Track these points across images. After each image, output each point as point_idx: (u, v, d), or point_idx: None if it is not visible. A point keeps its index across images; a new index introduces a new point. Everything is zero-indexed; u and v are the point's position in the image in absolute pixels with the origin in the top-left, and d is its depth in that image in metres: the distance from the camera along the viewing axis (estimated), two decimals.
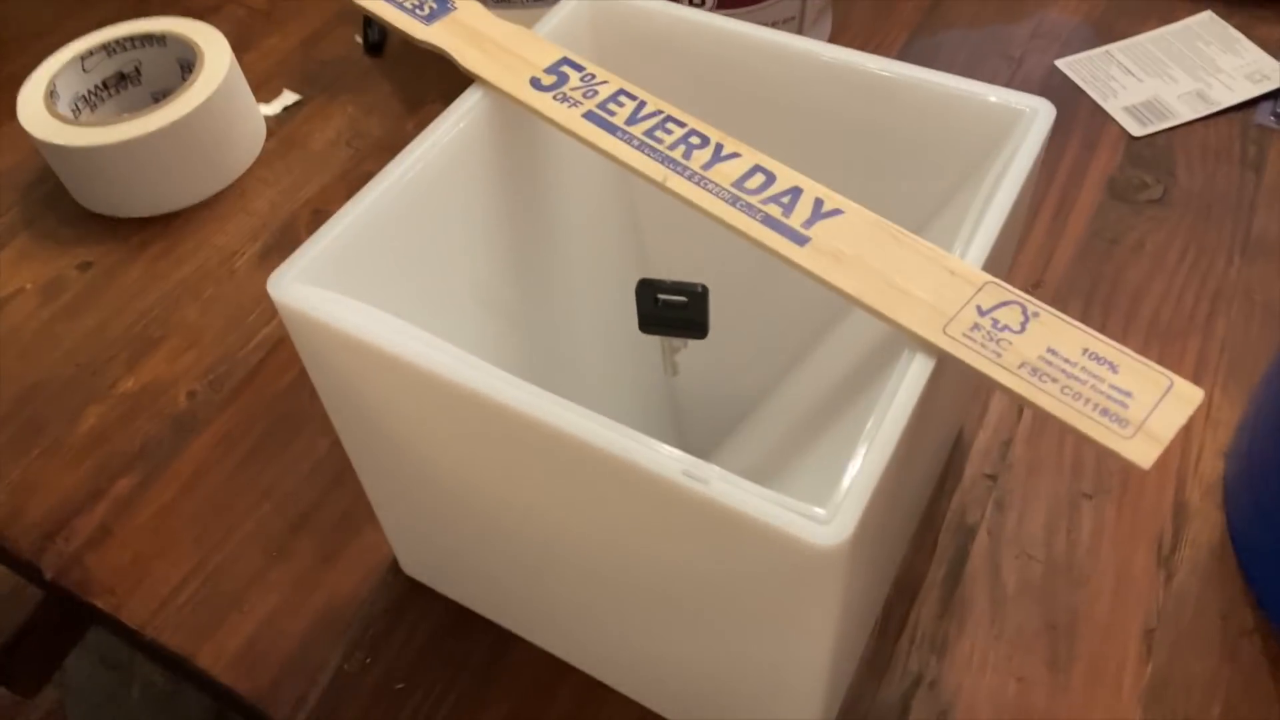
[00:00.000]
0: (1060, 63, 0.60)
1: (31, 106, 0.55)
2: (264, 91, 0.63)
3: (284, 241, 0.55)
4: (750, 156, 0.30)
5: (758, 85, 0.36)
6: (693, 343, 0.37)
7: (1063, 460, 0.44)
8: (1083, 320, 0.48)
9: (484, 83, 0.33)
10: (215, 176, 0.57)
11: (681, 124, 0.31)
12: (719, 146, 0.30)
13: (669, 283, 0.33)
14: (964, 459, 0.44)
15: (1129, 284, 0.50)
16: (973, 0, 0.65)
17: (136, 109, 0.58)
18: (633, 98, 0.32)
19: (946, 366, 0.26)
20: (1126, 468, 0.43)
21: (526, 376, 0.26)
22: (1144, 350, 0.47)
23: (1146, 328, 0.48)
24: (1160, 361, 0.46)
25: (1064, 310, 0.49)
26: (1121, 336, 0.48)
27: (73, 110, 0.57)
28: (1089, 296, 0.49)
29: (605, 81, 0.33)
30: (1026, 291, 0.50)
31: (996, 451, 0.44)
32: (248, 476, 0.45)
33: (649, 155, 0.30)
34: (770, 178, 0.30)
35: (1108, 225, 0.52)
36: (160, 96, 0.60)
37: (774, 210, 0.29)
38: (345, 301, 0.29)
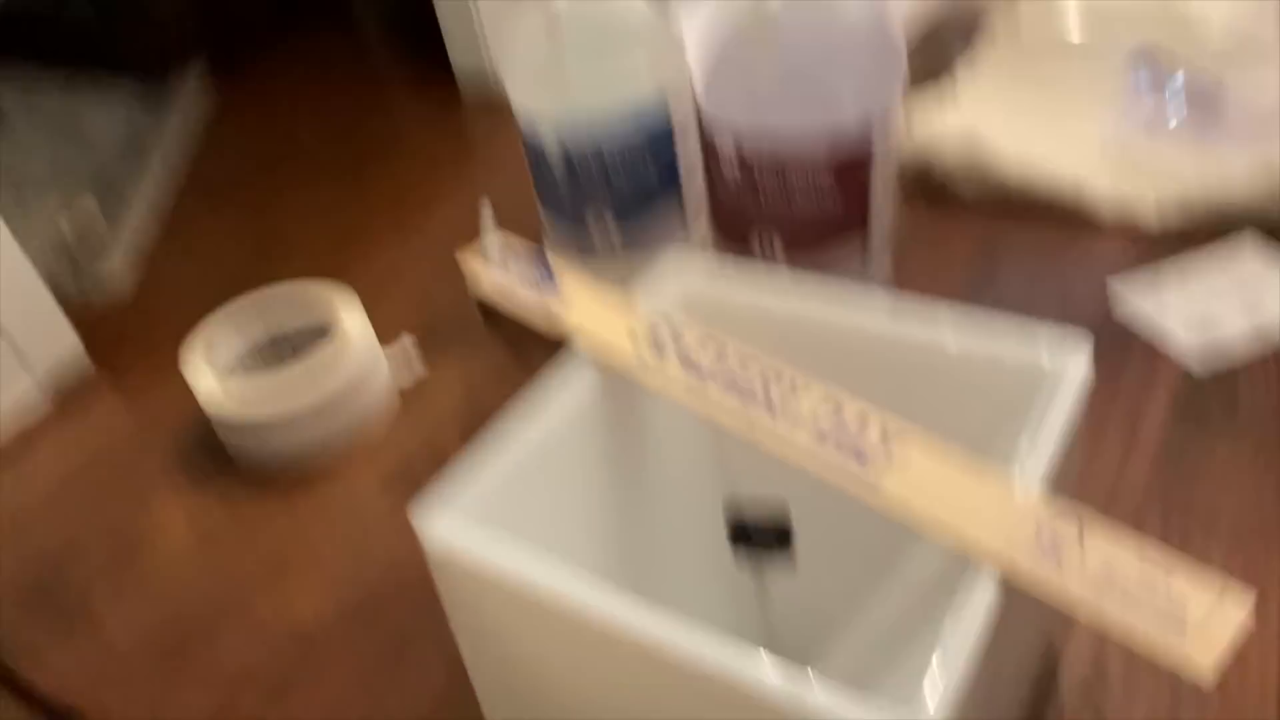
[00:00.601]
0: (1115, 289, 0.65)
1: (193, 366, 0.64)
2: (384, 338, 0.70)
3: (409, 480, 0.61)
4: (822, 393, 0.35)
5: (827, 343, 0.41)
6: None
7: (1159, 674, 0.44)
8: (1161, 536, 0.50)
9: (589, 346, 0.40)
10: (351, 435, 0.64)
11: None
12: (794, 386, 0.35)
13: (754, 524, 0.37)
14: (1055, 669, 0.45)
15: (1203, 497, 0.51)
16: (1028, 233, 0.71)
17: (280, 360, 0.66)
18: (726, 357, 0.37)
19: (1011, 584, 0.29)
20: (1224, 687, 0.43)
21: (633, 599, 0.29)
22: (1228, 559, 0.48)
23: (1229, 537, 0.49)
24: (1245, 570, 0.47)
25: (1141, 526, 0.50)
26: (1204, 548, 0.49)
27: (229, 370, 0.66)
28: (1164, 514, 0.51)
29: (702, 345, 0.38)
30: (1096, 510, 0.52)
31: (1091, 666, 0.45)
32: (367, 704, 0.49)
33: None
34: (840, 412, 0.34)
35: (1174, 441, 0.54)
36: (299, 344, 0.68)
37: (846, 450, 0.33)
38: (494, 538, 0.32)
